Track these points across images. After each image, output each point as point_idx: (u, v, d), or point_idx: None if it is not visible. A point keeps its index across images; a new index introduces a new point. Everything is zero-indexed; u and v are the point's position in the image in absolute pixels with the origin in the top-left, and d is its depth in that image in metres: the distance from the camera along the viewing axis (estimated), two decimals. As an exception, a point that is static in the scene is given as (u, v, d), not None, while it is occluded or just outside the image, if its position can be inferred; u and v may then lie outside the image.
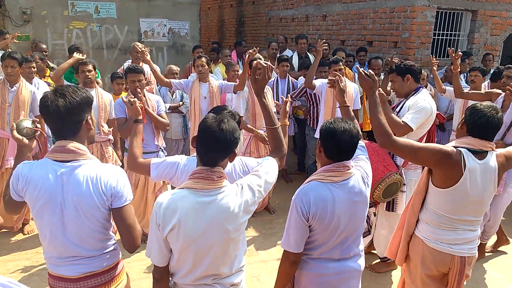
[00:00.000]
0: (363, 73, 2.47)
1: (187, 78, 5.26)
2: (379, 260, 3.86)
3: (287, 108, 2.48)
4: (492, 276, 3.84)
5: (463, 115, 2.40)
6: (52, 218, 1.81)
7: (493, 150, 2.30)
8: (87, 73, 4.27)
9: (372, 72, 2.50)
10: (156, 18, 9.82)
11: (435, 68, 5.15)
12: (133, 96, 2.55)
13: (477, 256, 2.46)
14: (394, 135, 2.39)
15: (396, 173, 3.29)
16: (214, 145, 1.77)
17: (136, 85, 3.85)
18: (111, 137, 4.34)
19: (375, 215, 3.73)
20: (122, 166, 4.16)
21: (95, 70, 4.48)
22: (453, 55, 4.49)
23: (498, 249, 4.29)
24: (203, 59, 4.81)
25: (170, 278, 1.92)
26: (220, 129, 1.75)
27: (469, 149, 2.26)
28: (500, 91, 4.33)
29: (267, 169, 1.98)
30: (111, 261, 1.97)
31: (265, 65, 2.07)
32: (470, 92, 4.62)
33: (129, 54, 6.03)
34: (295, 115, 5.92)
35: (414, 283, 2.50)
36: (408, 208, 2.60)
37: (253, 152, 4.80)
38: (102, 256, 1.93)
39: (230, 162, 1.90)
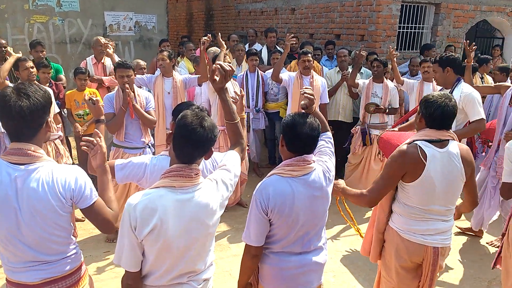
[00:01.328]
0: None
1: (154, 73, 5.17)
2: None
3: (244, 102, 2.49)
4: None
5: (418, 107, 2.45)
6: (7, 223, 1.73)
7: (453, 139, 2.35)
8: (31, 70, 4.16)
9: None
10: (122, 11, 9.57)
11: (395, 60, 5.21)
12: (95, 96, 2.49)
13: (451, 247, 2.51)
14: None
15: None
16: (194, 142, 1.75)
17: (125, 81, 3.80)
18: (61, 133, 4.27)
19: None
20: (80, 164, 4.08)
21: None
22: (468, 48, 4.34)
23: (468, 233, 4.50)
24: (165, 53, 4.72)
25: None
26: (202, 127, 1.74)
27: (428, 140, 2.30)
28: (509, 84, 4.37)
29: (233, 163, 2.01)
30: (73, 265, 1.91)
31: (224, 72, 2.07)
32: (480, 85, 4.76)
33: (92, 49, 5.88)
34: (265, 109, 5.93)
35: (389, 275, 2.53)
36: (377, 206, 2.64)
37: (222, 147, 4.78)
38: (63, 260, 1.87)
39: (206, 159, 1.89)
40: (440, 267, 2.46)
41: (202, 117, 1.77)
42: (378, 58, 5.28)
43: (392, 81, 5.60)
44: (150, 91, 4.67)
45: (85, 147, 1.98)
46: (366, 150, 5.24)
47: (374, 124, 5.17)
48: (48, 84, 5.02)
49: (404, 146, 2.35)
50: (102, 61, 5.78)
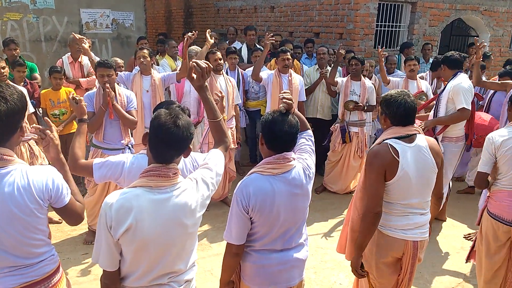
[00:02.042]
0: None
1: (132, 71, 5.08)
2: None
3: (224, 103, 2.47)
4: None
5: (380, 109, 2.50)
6: None
7: (419, 133, 2.42)
8: (1, 70, 4.03)
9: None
10: (98, 8, 9.36)
11: (383, 59, 5.31)
12: (78, 95, 2.43)
13: (428, 240, 2.57)
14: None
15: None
16: (169, 142, 1.72)
17: (105, 80, 3.73)
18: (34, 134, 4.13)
19: None
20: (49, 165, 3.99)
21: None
22: (478, 44, 4.44)
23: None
24: (145, 50, 4.65)
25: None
26: (176, 126, 1.71)
27: (396, 137, 2.37)
28: None
29: (216, 161, 1.98)
30: (51, 267, 1.87)
31: (200, 69, 2.03)
32: (487, 81, 4.94)
33: (68, 47, 5.70)
34: (246, 108, 5.92)
35: (369, 271, 2.57)
36: (351, 205, 2.68)
37: (211, 142, 4.76)
38: (42, 263, 1.83)
39: (185, 157, 1.87)
40: (419, 260, 2.52)
41: (175, 115, 1.74)
42: (356, 56, 5.35)
43: (370, 79, 5.71)
44: (127, 89, 4.60)
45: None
46: (346, 147, 5.31)
47: (353, 121, 5.24)
48: (23, 83, 4.90)
49: (374, 148, 2.41)
50: (79, 59, 5.60)
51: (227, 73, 5.66)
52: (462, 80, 4.03)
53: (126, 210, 1.67)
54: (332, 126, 5.43)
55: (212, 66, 2.05)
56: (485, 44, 4.66)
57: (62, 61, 5.57)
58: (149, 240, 1.71)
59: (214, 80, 4.76)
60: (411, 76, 5.27)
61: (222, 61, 4.89)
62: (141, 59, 4.58)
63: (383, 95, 2.54)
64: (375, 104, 5.32)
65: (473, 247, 3.18)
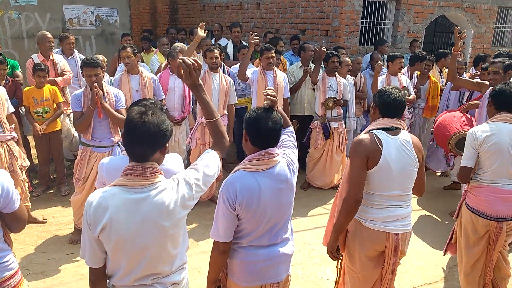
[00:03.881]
0: None
1: (116, 69, 5.02)
2: None
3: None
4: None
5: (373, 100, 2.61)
6: None
7: (404, 128, 2.51)
8: None
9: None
10: (82, 4, 9.22)
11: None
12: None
13: (411, 232, 2.62)
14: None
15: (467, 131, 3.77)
16: (138, 138, 1.70)
17: (93, 79, 3.67)
18: (14, 134, 4.01)
19: None
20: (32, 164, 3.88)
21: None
22: (458, 35, 4.29)
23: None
24: (128, 49, 4.53)
25: (108, 281, 1.83)
26: (143, 122, 1.68)
27: (382, 129, 2.46)
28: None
29: (207, 162, 1.93)
30: (2, 274, 1.86)
31: (186, 66, 1.94)
32: (462, 78, 4.78)
33: (37, 45, 5.38)
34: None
35: (353, 265, 2.61)
36: (337, 197, 2.71)
37: (198, 138, 4.75)
38: None
39: (163, 156, 1.83)
40: (402, 253, 2.57)
41: (144, 111, 1.71)
42: (337, 54, 5.43)
43: (356, 76, 5.82)
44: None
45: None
46: (327, 143, 5.37)
47: (333, 117, 5.34)
48: (4, 81, 4.80)
49: (360, 136, 2.51)
50: (51, 57, 5.34)
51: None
52: None
53: (103, 209, 1.67)
54: (312, 124, 5.47)
55: (200, 64, 2.00)
56: (465, 35, 4.49)
57: (33, 60, 5.23)
58: (125, 240, 1.70)
59: (209, 78, 4.74)
60: (394, 72, 5.43)
61: (218, 60, 4.82)
62: (126, 59, 4.51)
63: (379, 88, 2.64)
64: (349, 98, 5.46)
65: (450, 239, 3.24)
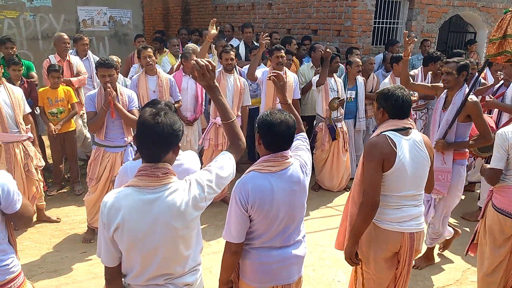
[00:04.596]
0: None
1: (129, 69, 5.06)
2: None
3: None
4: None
5: (376, 103, 2.55)
6: None
7: (413, 127, 2.49)
8: None
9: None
10: (95, 6, 9.33)
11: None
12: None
13: (424, 231, 2.61)
14: None
15: (492, 133, 3.59)
16: (151, 139, 1.72)
17: (107, 80, 3.71)
18: (30, 134, 4.09)
19: None
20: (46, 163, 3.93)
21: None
22: (407, 39, 4.12)
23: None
24: (149, 49, 4.59)
25: (123, 279, 1.85)
26: (156, 122, 1.70)
27: (393, 130, 2.43)
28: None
29: (221, 164, 1.91)
30: (3, 277, 1.88)
31: (200, 67, 1.93)
32: (417, 83, 4.58)
33: (54, 46, 5.50)
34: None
35: (367, 266, 2.59)
36: (349, 199, 2.69)
37: (211, 139, 4.77)
38: None
39: (175, 156, 1.84)
40: (417, 251, 2.56)
41: (156, 113, 1.73)
42: (339, 54, 5.44)
43: (368, 77, 5.82)
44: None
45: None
46: (333, 144, 5.35)
47: (337, 117, 5.34)
48: (19, 82, 4.88)
49: (373, 138, 2.47)
50: (67, 58, 5.43)
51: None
52: None
53: (116, 210, 1.70)
54: (317, 126, 5.44)
55: (214, 64, 2.00)
56: (415, 39, 4.16)
57: (50, 60, 5.34)
58: (137, 240, 1.72)
59: (224, 79, 4.75)
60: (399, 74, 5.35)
61: (234, 61, 4.82)
62: (147, 59, 4.53)
63: (379, 90, 2.60)
64: (360, 99, 5.51)
65: (472, 240, 3.20)
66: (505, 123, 4.16)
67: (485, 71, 6.16)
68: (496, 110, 4.57)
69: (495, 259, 2.97)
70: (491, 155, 2.93)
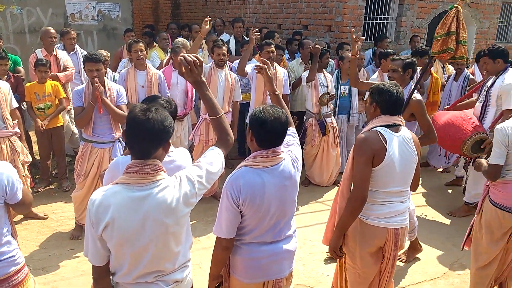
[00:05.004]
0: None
1: (118, 64, 5.00)
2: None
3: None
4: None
5: (369, 98, 2.56)
6: None
7: (403, 125, 2.51)
8: None
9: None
10: (84, -1, 9.25)
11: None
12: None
13: (408, 226, 2.64)
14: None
15: (482, 133, 3.98)
16: (141, 135, 1.69)
17: (94, 75, 3.66)
18: (17, 129, 4.03)
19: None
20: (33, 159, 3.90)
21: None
22: (354, 38, 4.08)
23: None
24: (141, 44, 4.52)
25: (111, 278, 1.83)
26: (146, 118, 1.68)
27: (384, 126, 2.45)
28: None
29: (211, 159, 1.91)
30: (7, 270, 1.87)
31: (187, 63, 1.92)
32: (366, 82, 4.53)
33: (41, 40, 5.40)
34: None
35: (353, 261, 2.61)
36: (338, 195, 2.70)
37: (201, 134, 4.74)
38: None
39: (166, 153, 1.82)
40: (401, 247, 2.60)
41: (147, 108, 1.72)
42: (328, 50, 5.44)
43: (359, 72, 5.78)
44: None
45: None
46: (323, 139, 5.37)
47: (327, 113, 5.34)
48: (6, 76, 4.80)
49: (364, 133, 2.48)
50: (54, 53, 5.34)
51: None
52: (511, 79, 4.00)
53: (105, 208, 1.67)
54: (307, 122, 5.44)
55: (202, 60, 1.98)
56: (363, 38, 4.15)
57: (36, 55, 5.25)
58: (127, 237, 1.70)
59: (215, 75, 4.72)
60: (389, 70, 5.34)
61: (225, 57, 4.76)
62: (139, 53, 4.47)
63: (374, 85, 2.59)
64: (334, 93, 5.48)
65: (468, 234, 3.23)
66: (493, 122, 4.14)
67: (473, 67, 6.21)
68: (479, 106, 4.49)
69: (492, 253, 3.00)
70: (480, 155, 2.96)
